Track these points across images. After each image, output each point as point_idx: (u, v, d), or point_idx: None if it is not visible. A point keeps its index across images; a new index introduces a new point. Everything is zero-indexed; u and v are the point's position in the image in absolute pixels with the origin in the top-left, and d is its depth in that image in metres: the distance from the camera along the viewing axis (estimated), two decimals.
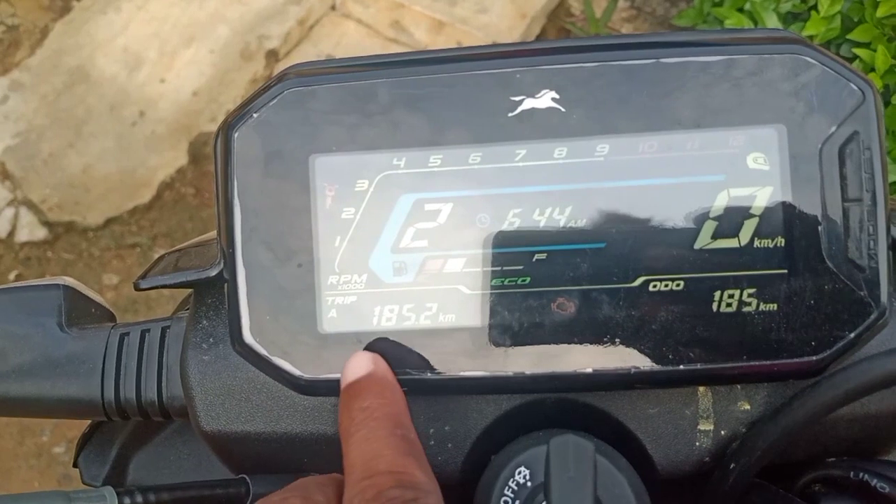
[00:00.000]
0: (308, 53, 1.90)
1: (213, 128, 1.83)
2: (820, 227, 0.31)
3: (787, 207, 0.31)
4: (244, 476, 0.37)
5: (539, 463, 0.31)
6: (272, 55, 1.89)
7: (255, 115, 0.33)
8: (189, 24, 1.92)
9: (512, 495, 0.31)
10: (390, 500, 0.26)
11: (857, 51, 1.33)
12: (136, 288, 0.38)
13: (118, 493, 0.32)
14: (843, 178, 0.31)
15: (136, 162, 1.79)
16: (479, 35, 1.88)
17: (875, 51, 1.29)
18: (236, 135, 0.33)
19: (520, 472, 0.32)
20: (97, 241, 1.74)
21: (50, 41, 1.93)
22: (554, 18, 1.98)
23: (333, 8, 1.97)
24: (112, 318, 0.44)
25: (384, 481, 0.27)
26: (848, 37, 1.34)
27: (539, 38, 1.96)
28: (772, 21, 1.41)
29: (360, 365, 0.32)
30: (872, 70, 1.32)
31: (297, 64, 0.34)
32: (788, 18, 1.45)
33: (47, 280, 0.42)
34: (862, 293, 0.31)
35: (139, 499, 0.32)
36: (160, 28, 1.92)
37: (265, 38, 1.90)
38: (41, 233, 1.74)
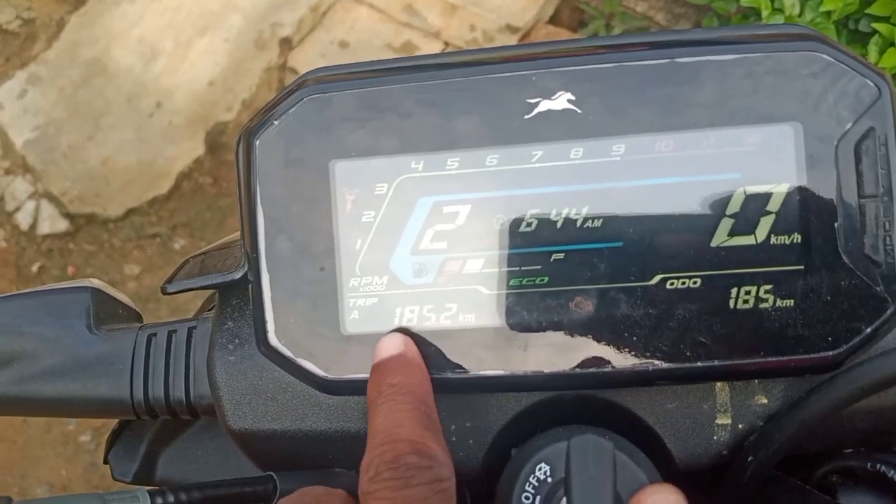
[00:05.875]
0: (321, 40, 1.90)
1: (230, 117, 1.83)
2: (836, 224, 0.31)
3: (803, 204, 0.31)
4: (271, 473, 0.38)
5: (559, 460, 0.32)
6: (286, 43, 1.89)
7: (275, 123, 0.33)
8: (202, 13, 1.93)
9: (533, 491, 0.32)
10: (407, 465, 0.29)
11: (877, 25, 1.31)
12: (164, 292, 0.38)
13: (150, 494, 0.33)
14: (859, 174, 0.31)
15: (154, 153, 1.80)
16: (491, 17, 1.86)
17: (895, 25, 1.27)
18: (258, 142, 0.34)
19: (540, 469, 0.32)
20: (118, 232, 1.76)
21: (66, 34, 1.94)
22: None
23: None
24: (139, 318, 0.45)
25: (403, 448, 0.29)
26: (867, 11, 1.32)
27: (553, 18, 1.94)
28: None
29: (392, 345, 0.33)
30: (892, 45, 1.30)
31: (316, 69, 0.35)
32: None
33: (74, 283, 0.43)
34: (878, 288, 0.31)
35: (171, 499, 0.33)
36: (174, 18, 1.92)
37: (278, 26, 1.90)
38: (62, 225, 1.76)
